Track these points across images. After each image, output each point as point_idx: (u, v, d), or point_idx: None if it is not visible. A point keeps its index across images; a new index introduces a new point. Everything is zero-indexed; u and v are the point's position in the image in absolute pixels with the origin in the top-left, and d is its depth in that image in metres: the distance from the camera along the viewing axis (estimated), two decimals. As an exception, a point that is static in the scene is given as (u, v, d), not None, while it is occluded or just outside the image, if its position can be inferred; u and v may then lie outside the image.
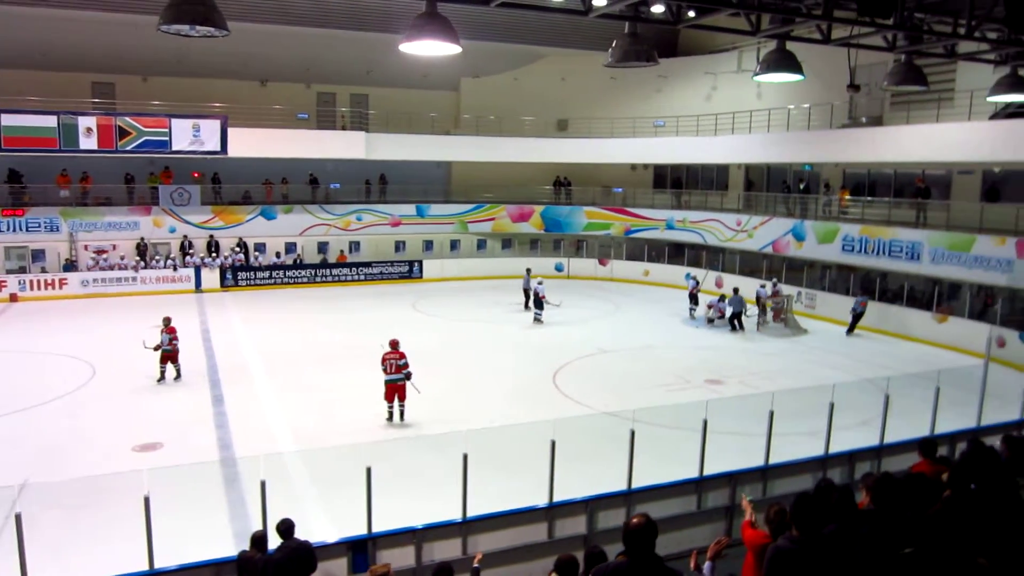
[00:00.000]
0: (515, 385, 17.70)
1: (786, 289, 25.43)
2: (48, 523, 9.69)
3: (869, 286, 24.81)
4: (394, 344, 15.00)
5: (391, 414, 14.81)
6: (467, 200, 35.10)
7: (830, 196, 27.76)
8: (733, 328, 23.68)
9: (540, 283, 24.98)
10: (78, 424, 14.83)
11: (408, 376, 14.66)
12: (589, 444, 11.77)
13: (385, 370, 14.70)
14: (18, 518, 7.09)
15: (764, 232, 28.64)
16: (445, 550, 8.57)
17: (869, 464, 11.09)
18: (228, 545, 8.99)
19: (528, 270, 27.39)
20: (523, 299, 26.71)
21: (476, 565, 7.07)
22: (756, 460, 10.46)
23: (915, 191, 24.67)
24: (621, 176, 35.85)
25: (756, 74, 13.03)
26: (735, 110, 30.04)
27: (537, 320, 24.44)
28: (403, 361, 14.69)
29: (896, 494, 5.44)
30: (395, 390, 14.67)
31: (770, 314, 24.08)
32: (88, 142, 26.85)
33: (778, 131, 28.48)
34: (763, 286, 24.97)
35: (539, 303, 24.60)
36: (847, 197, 27.06)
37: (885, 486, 5.49)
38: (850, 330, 23.23)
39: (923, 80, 13.87)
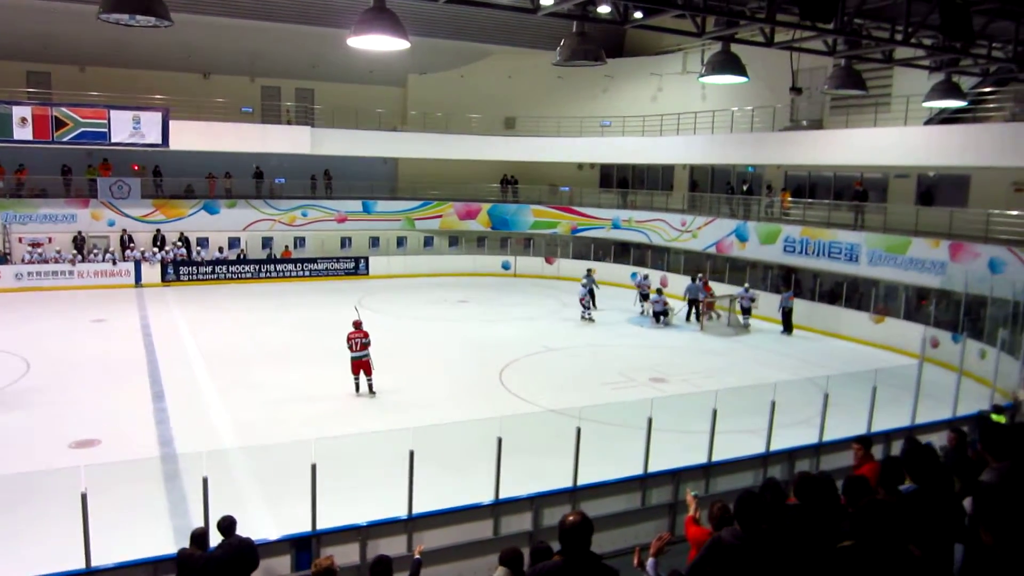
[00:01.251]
0: (461, 382, 17.70)
1: (725, 289, 25.95)
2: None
3: (808, 286, 25.40)
4: (357, 324, 16.49)
5: (358, 386, 16.35)
6: (414, 197, 34.98)
7: (772, 198, 28.34)
8: (688, 319, 25.05)
9: (645, 277, 26.53)
10: (11, 420, 14.38)
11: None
12: (535, 441, 11.81)
13: (351, 347, 16.19)
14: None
15: (708, 232, 29.10)
16: (390, 547, 8.51)
17: (808, 461, 11.34)
18: (168, 543, 8.80)
19: (589, 271, 26.93)
20: (585, 303, 25.32)
21: (417, 556, 7.03)
22: (699, 457, 10.61)
23: (853, 194, 25.32)
24: (568, 175, 36.07)
25: (701, 75, 13.26)
26: (680, 111, 30.47)
27: (587, 319, 24.70)
28: (367, 340, 16.25)
29: (818, 492, 5.59)
30: (361, 366, 16.23)
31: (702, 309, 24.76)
32: (23, 132, 25.92)
33: (722, 132, 28.98)
34: (693, 282, 25.65)
35: (644, 295, 25.58)
36: (788, 199, 27.65)
37: (806, 484, 5.65)
38: (787, 329, 23.71)
39: (862, 85, 14.27)
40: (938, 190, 24.03)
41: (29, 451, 12.70)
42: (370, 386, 16.30)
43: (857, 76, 14.16)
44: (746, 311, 24.41)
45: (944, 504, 5.32)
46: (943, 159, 21.62)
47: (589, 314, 24.90)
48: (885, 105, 23.63)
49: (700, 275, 26.39)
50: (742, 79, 12.76)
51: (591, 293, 25.41)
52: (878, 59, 14.93)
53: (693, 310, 25.14)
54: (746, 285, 25.08)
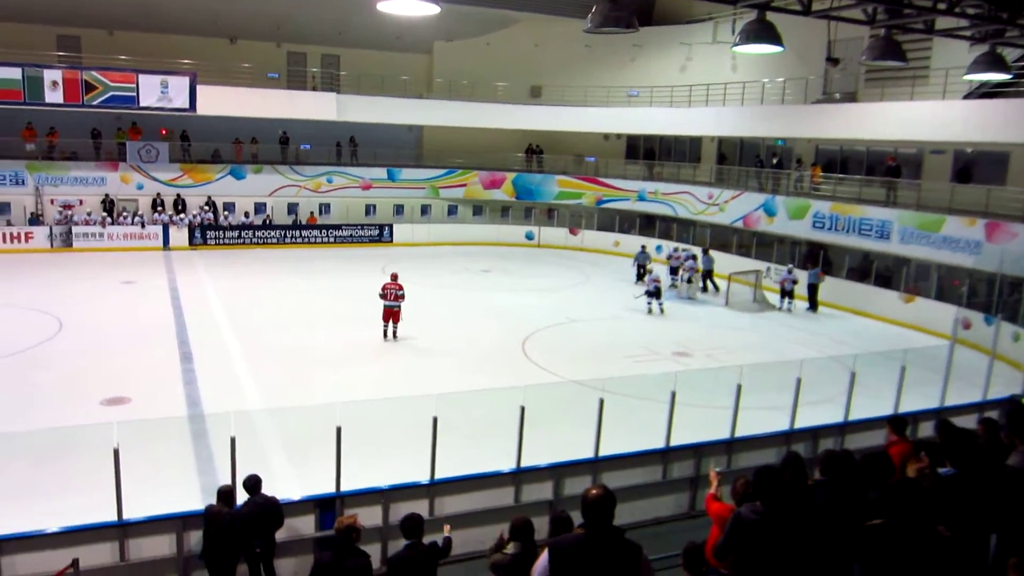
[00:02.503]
0: (484, 351, 17.72)
1: (750, 264, 25.72)
2: (16, 472, 9.58)
3: (837, 263, 25.10)
4: (394, 276, 18.20)
5: (386, 333, 17.99)
6: (438, 165, 34.87)
7: (802, 172, 27.94)
8: (705, 288, 25.02)
9: (692, 257, 25.35)
10: (45, 378, 14.64)
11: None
12: (557, 412, 11.83)
13: (385, 296, 17.86)
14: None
15: (735, 206, 28.79)
16: (412, 510, 8.56)
17: (833, 440, 11.26)
18: (196, 499, 8.96)
19: (643, 247, 26.81)
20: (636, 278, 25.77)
21: (447, 535, 7.06)
22: (722, 433, 10.58)
23: (886, 169, 24.88)
24: (594, 145, 35.76)
25: (735, 44, 12.97)
26: (709, 82, 30.01)
27: (653, 306, 22.11)
28: (401, 292, 17.90)
29: (844, 469, 5.53)
30: (391, 314, 17.92)
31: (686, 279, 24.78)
32: (54, 95, 26.08)
33: (752, 104, 28.52)
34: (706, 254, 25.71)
35: (641, 272, 24.81)
36: (819, 174, 27.24)
37: (833, 461, 5.58)
38: (813, 306, 23.43)
39: (901, 56, 13.88)
40: (976, 167, 23.47)
41: (62, 408, 12.94)
42: (395, 333, 18.05)
43: (897, 47, 13.78)
44: (788, 294, 23.53)
45: (982, 490, 5.23)
46: (983, 135, 21.06)
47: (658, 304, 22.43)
48: (923, 78, 23.06)
49: (705, 249, 26.43)
50: (777, 48, 12.47)
51: (640, 269, 25.30)
52: (919, 29, 14.54)
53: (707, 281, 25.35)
54: (789, 266, 24.30)
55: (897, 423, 7.85)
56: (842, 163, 27.69)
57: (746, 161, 31.61)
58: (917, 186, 23.93)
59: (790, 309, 23.38)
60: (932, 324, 20.55)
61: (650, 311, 22.07)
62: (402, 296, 17.90)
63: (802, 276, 23.91)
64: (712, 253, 26.36)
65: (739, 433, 10.57)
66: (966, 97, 21.86)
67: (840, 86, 26.75)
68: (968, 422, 9.88)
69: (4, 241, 27.34)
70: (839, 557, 4.99)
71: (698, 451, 10.33)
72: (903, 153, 25.26)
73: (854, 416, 11.42)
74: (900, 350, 13.29)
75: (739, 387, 10.42)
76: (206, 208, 30.75)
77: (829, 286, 23.79)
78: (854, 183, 25.80)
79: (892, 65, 15.84)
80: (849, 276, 24.49)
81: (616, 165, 35.32)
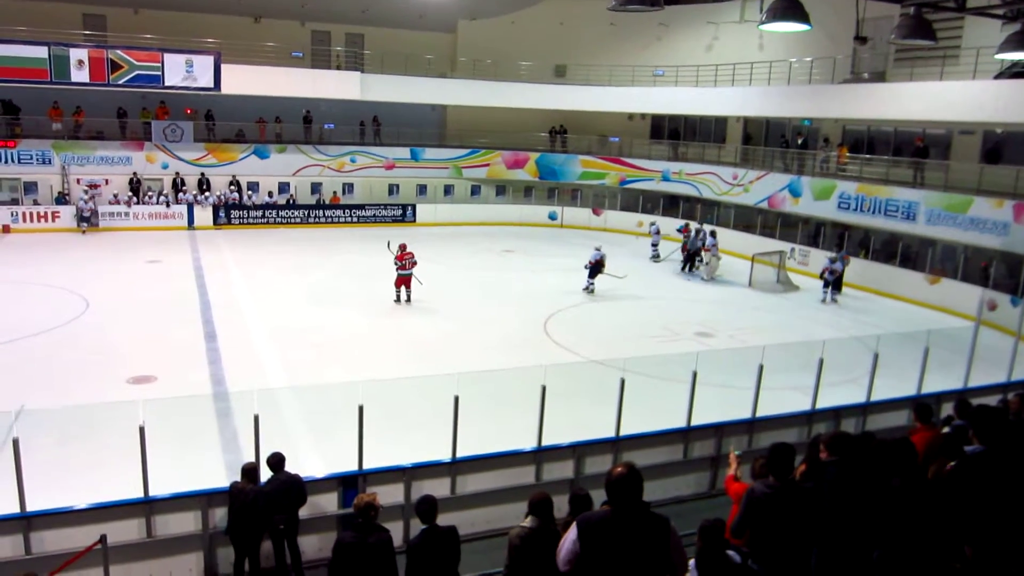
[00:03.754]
0: (506, 331, 17.77)
1: (775, 245, 25.51)
2: (45, 449, 9.77)
3: (863, 244, 24.84)
4: (403, 247, 19.53)
5: (399, 297, 19.50)
6: (462, 145, 34.80)
7: (828, 152, 27.60)
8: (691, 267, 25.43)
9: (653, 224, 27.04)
10: (72, 355, 14.87)
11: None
12: (579, 391, 11.85)
13: (401, 265, 19.35)
14: (15, 442, 7.16)
15: (760, 187, 28.53)
16: (434, 488, 8.63)
17: (855, 420, 11.23)
18: (220, 476, 9.09)
19: (695, 228, 26.58)
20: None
21: None
22: (743, 413, 10.55)
23: (914, 150, 24.53)
24: (618, 125, 35.52)
25: (762, 23, 12.82)
26: (736, 61, 29.65)
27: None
28: (414, 260, 19.50)
29: (854, 450, 5.51)
30: (404, 281, 19.42)
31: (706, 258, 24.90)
32: (80, 75, 26.28)
33: (779, 84, 28.17)
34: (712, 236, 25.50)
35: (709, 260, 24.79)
36: (846, 154, 26.91)
37: (840, 441, 5.57)
38: (836, 288, 22.53)
39: (932, 35, 13.64)
40: (1005, 147, 23.12)
41: (89, 385, 13.12)
42: (408, 297, 19.53)
43: (927, 25, 13.55)
44: (834, 285, 22.08)
45: (1013, 466, 5.21)
46: (1014, 116, 20.65)
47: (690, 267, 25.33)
48: (953, 58, 22.64)
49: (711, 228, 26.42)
50: (804, 27, 12.31)
51: (692, 254, 25.39)
52: (950, 7, 14.29)
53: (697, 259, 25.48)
54: (832, 255, 23.04)
55: (922, 411, 7.78)
56: (869, 143, 27.33)
57: (772, 142, 31.26)
58: (945, 167, 23.59)
59: (835, 299, 22.06)
60: (957, 306, 20.33)
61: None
62: (415, 264, 19.54)
63: (819, 255, 23.54)
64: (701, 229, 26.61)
65: (760, 413, 10.54)
66: (997, 77, 21.45)
67: (869, 66, 26.34)
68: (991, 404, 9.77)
69: (31, 220, 27.67)
70: (853, 537, 4.99)
71: (719, 431, 10.34)
72: (931, 134, 24.87)
73: (876, 397, 11.35)
74: (924, 331, 13.18)
75: (761, 367, 10.37)
76: (232, 188, 30.92)
77: (854, 267, 23.53)
78: (881, 164, 25.47)
79: (922, 44, 15.54)
80: (874, 257, 24.23)
81: (640, 145, 35.07)
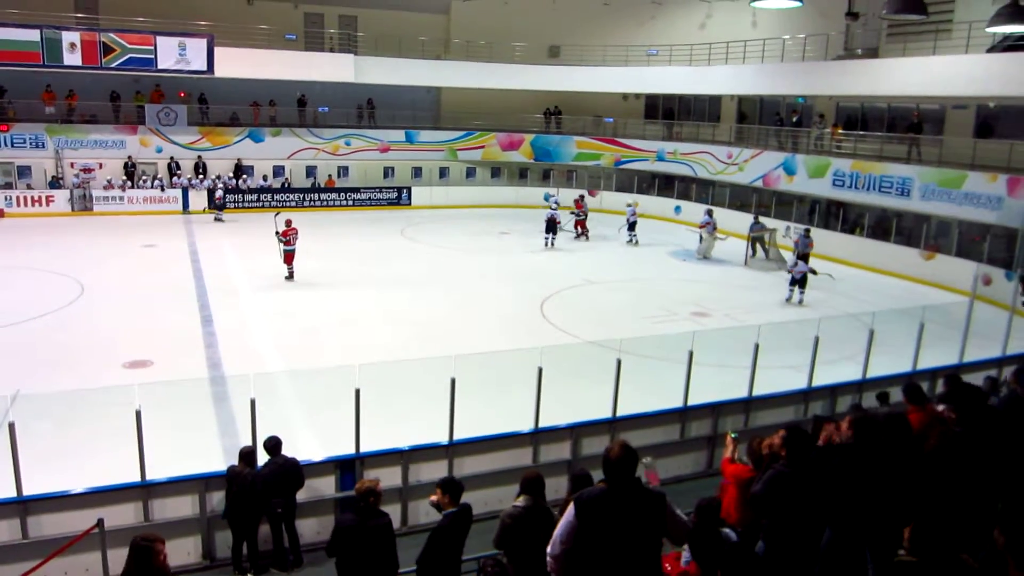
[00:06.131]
0: (502, 313, 17.78)
1: (771, 223, 25.46)
2: (40, 433, 9.78)
3: (858, 221, 24.84)
4: (289, 223, 19.79)
5: (289, 274, 19.74)
6: (457, 127, 34.64)
7: (822, 129, 27.54)
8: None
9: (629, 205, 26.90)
10: (68, 340, 14.88)
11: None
12: (575, 372, 11.88)
13: (287, 241, 19.56)
14: (11, 427, 7.18)
15: (755, 165, 28.49)
16: (431, 471, 8.72)
17: (851, 397, 11.25)
18: (218, 460, 9.12)
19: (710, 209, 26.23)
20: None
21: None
22: (740, 392, 10.61)
23: (908, 125, 24.46)
24: (612, 106, 35.37)
25: None
26: (729, 40, 29.52)
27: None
28: (296, 235, 19.73)
29: (876, 433, 5.49)
30: (292, 256, 19.76)
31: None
32: (72, 58, 26.12)
33: (772, 62, 28.06)
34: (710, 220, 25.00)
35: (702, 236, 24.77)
36: (839, 131, 26.85)
37: (865, 425, 5.52)
38: (803, 285, 19.66)
39: (922, 9, 13.64)
40: (998, 122, 23.10)
41: (85, 370, 13.12)
42: (292, 273, 19.83)
43: (918, 0, 13.51)
44: (800, 283, 19.32)
45: (991, 450, 5.24)
46: (1006, 89, 20.61)
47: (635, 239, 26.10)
48: (946, 32, 22.57)
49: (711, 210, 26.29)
50: (796, 3, 12.30)
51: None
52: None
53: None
54: (802, 229, 22.69)
55: (911, 392, 7.79)
56: (863, 120, 27.27)
57: (766, 120, 31.21)
58: (939, 142, 23.56)
59: (802, 300, 19.27)
60: (952, 281, 20.35)
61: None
62: (296, 238, 19.84)
63: (818, 234, 23.39)
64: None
65: (757, 392, 10.58)
66: (989, 50, 21.42)
67: (861, 42, 26.21)
68: (978, 380, 9.80)
69: (25, 204, 27.56)
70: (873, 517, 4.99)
71: (716, 410, 10.40)
72: (925, 109, 24.82)
73: (872, 373, 11.39)
74: (919, 307, 13.21)
75: (756, 346, 10.41)
76: (238, 174, 30.84)
77: (848, 244, 23.54)
78: (875, 140, 25.43)
79: (913, 19, 15.55)
80: (870, 234, 24.23)
81: (635, 125, 34.97)
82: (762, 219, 25.32)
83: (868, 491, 4.92)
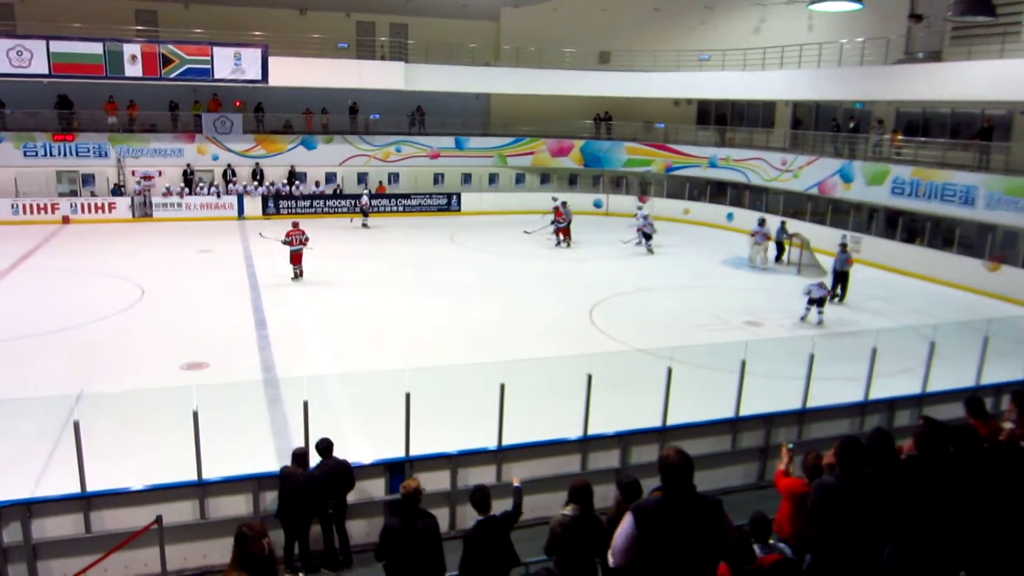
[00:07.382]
0: (552, 319, 17.72)
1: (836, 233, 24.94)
2: (103, 432, 10.04)
3: (916, 228, 24.20)
4: (295, 224, 20.64)
5: (296, 274, 20.41)
6: (506, 133, 34.75)
7: (881, 136, 26.92)
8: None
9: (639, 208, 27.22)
10: (129, 342, 15.29)
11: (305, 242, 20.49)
12: (625, 380, 11.77)
13: (290, 242, 20.22)
14: (76, 425, 7.39)
15: (810, 172, 27.98)
16: (480, 476, 8.70)
17: (910, 412, 10.93)
18: (271, 461, 9.25)
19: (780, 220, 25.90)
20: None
21: (517, 485, 7.11)
22: (793, 403, 10.37)
23: (978, 131, 23.67)
24: (663, 111, 35.11)
25: (812, 2, 12.53)
26: (784, 44, 29.01)
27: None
28: (305, 236, 20.34)
29: (942, 445, 5.27)
30: (298, 257, 20.36)
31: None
32: (133, 69, 27.02)
33: (829, 66, 27.47)
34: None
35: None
36: (899, 137, 26.21)
37: (931, 438, 5.30)
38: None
39: (991, 10, 13.22)
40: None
41: (144, 371, 13.47)
42: (301, 273, 20.47)
43: (986, 1, 13.12)
44: (818, 303, 17.47)
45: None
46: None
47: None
48: (1014, 34, 21.80)
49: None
50: (856, 6, 12.04)
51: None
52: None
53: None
54: (843, 240, 21.47)
55: (973, 405, 7.53)
56: (924, 126, 26.57)
57: (822, 125, 30.58)
58: (1006, 149, 22.81)
59: (820, 320, 17.56)
60: (1019, 293, 19.76)
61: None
62: (306, 240, 20.41)
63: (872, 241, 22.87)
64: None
65: (811, 404, 10.35)
66: (1061, 53, 20.67)
67: (924, 45, 25.52)
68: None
69: (89, 211, 28.51)
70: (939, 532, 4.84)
71: (768, 421, 10.18)
72: (990, 114, 24.07)
73: (933, 388, 11.04)
74: (983, 320, 12.80)
75: (811, 356, 10.18)
76: (293, 181, 31.45)
77: (907, 253, 22.91)
78: (937, 147, 24.73)
79: (980, 21, 15.07)
80: (930, 244, 23.59)
81: (686, 131, 34.61)
82: (787, 224, 25.03)
83: (936, 505, 4.76)
